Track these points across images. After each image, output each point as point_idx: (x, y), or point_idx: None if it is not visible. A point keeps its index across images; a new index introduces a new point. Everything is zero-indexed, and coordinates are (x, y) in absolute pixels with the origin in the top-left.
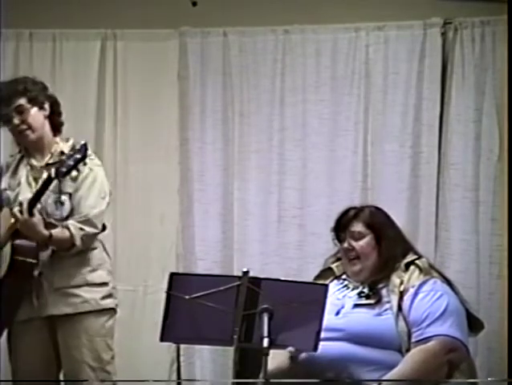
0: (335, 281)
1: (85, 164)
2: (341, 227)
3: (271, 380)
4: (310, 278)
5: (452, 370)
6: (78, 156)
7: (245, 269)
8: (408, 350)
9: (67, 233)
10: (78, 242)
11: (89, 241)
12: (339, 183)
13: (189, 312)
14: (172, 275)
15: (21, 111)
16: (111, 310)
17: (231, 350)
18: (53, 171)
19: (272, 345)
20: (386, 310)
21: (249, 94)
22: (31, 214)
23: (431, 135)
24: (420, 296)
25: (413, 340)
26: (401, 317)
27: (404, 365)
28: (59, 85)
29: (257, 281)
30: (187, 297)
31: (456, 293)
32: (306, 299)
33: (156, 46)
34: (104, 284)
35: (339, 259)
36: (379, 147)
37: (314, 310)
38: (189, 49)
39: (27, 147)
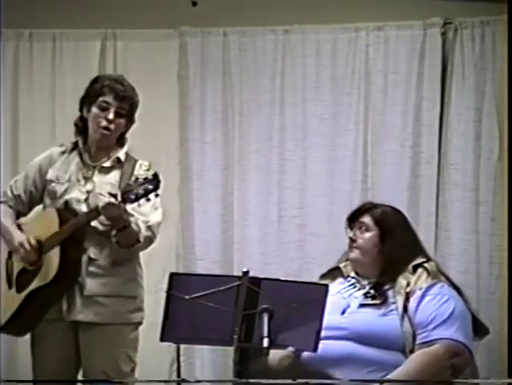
0: (342, 280)
1: (157, 195)
2: (354, 217)
3: (271, 380)
4: (310, 278)
5: (455, 375)
6: (150, 186)
7: (245, 269)
8: (411, 352)
9: (136, 228)
10: (142, 239)
11: (146, 245)
12: (339, 183)
13: (189, 312)
14: (172, 275)
15: (120, 114)
16: (138, 323)
17: (231, 350)
18: (119, 195)
19: (272, 345)
20: (391, 310)
21: (249, 94)
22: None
23: (431, 135)
24: (427, 299)
25: (418, 342)
26: (406, 318)
27: (408, 366)
28: (59, 85)
29: (257, 281)
30: (187, 297)
31: (463, 298)
32: (306, 299)
33: (156, 46)
34: (134, 297)
35: None
36: (379, 147)
37: (314, 309)
38: (189, 49)
39: (88, 143)
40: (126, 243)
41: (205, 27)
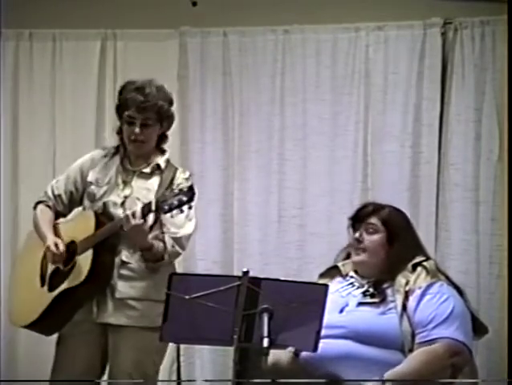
0: (340, 279)
1: (190, 207)
2: (358, 218)
3: (271, 380)
4: (310, 278)
5: (455, 374)
6: (184, 198)
7: (245, 269)
8: (410, 351)
9: (161, 245)
10: (167, 257)
11: (174, 258)
12: (339, 183)
13: (189, 312)
14: (172, 275)
15: (147, 124)
16: None
17: (231, 350)
18: (153, 203)
19: (272, 345)
20: (390, 309)
21: (249, 94)
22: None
23: (431, 135)
24: (426, 297)
25: (417, 341)
26: (405, 317)
27: (407, 364)
28: (59, 85)
29: (257, 281)
30: (187, 297)
31: (462, 297)
32: (306, 299)
33: (156, 46)
34: (163, 301)
35: (348, 255)
36: (379, 147)
37: (314, 309)
38: (189, 49)
39: (128, 150)
40: (150, 259)
41: (205, 27)
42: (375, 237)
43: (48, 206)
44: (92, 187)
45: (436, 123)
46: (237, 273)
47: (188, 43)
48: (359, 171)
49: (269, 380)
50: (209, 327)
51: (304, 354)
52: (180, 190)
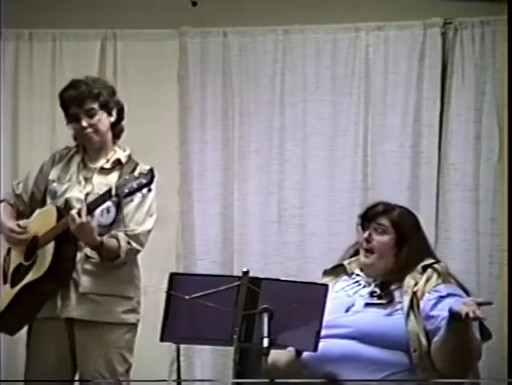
0: (346, 277)
1: (150, 190)
2: (367, 218)
3: (271, 380)
4: (310, 278)
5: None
6: (143, 180)
7: (245, 269)
8: (415, 351)
9: (115, 243)
10: (123, 255)
11: (132, 256)
12: (339, 183)
13: (189, 312)
14: (172, 275)
15: (91, 114)
16: (132, 324)
17: (231, 350)
18: (113, 189)
19: (272, 345)
20: (397, 310)
21: (249, 94)
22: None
23: (431, 135)
24: (445, 299)
25: None
26: (413, 317)
27: (469, 326)
28: (59, 85)
29: (257, 281)
30: (187, 297)
31: None
32: (306, 299)
33: (156, 46)
34: (129, 298)
35: (356, 252)
36: (380, 147)
37: (314, 309)
38: (189, 49)
39: (85, 147)
40: (106, 258)
41: (205, 27)
42: (385, 238)
43: (10, 204)
44: (54, 184)
45: (436, 123)
46: (237, 273)
47: (188, 43)
48: (359, 171)
49: (269, 380)
50: (209, 327)
51: (306, 353)
52: (140, 173)
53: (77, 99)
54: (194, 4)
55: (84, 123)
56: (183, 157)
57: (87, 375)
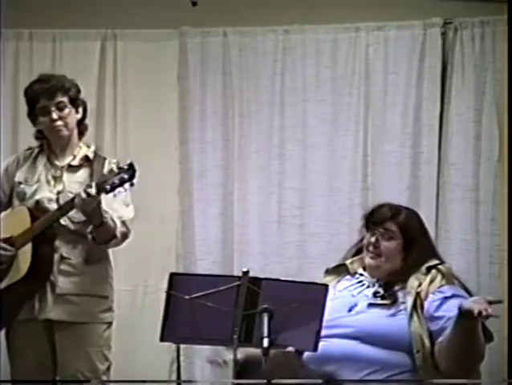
0: (349, 277)
1: (132, 184)
2: (373, 221)
3: (271, 380)
4: (310, 278)
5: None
6: (125, 175)
7: (245, 269)
8: (418, 352)
9: (112, 223)
10: (119, 235)
11: (122, 240)
12: (339, 183)
13: (189, 312)
14: (172, 275)
15: (61, 107)
16: (110, 323)
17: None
18: (94, 187)
19: (272, 345)
20: (400, 310)
21: (249, 94)
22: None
23: (431, 135)
24: (449, 300)
25: None
26: (416, 318)
27: (475, 325)
28: None
29: (257, 281)
30: (187, 297)
31: None
32: (306, 299)
33: (156, 46)
34: (105, 297)
35: (358, 251)
36: (380, 147)
37: (314, 309)
38: (189, 49)
39: (52, 145)
40: (103, 239)
41: (205, 27)
42: (392, 243)
43: None
44: (22, 186)
45: (436, 123)
46: (237, 273)
47: (188, 43)
48: (359, 171)
49: (268, 380)
50: (209, 327)
51: (307, 353)
52: (120, 168)
53: (48, 92)
54: (194, 4)
55: (55, 116)
56: (183, 157)
57: (68, 375)
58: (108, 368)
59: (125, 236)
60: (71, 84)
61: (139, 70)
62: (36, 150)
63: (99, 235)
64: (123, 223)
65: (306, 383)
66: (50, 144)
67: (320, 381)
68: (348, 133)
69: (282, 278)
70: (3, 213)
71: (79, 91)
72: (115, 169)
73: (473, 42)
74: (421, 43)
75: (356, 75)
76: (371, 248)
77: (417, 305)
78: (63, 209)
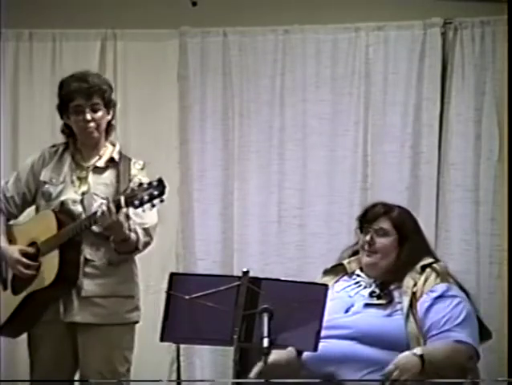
0: (346, 277)
1: (162, 200)
2: (367, 220)
3: (272, 380)
4: (310, 278)
5: (464, 377)
6: (155, 192)
7: (245, 269)
8: None
9: (134, 236)
10: (141, 247)
11: (144, 249)
12: (339, 183)
13: (189, 312)
14: (172, 275)
15: (96, 109)
16: (135, 323)
17: (231, 350)
18: (122, 200)
19: (272, 345)
20: (397, 310)
21: (249, 94)
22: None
23: (431, 135)
24: (441, 300)
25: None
26: (412, 318)
27: (434, 349)
28: None
29: (257, 281)
30: (187, 297)
31: (470, 301)
32: (306, 299)
33: (156, 46)
34: (131, 297)
35: (354, 253)
36: (380, 147)
37: (314, 309)
38: (189, 49)
39: (78, 143)
40: (124, 251)
41: (205, 27)
42: (387, 239)
43: None
44: (47, 186)
45: (436, 123)
46: (237, 273)
47: (188, 43)
48: (359, 171)
49: (268, 380)
50: (209, 327)
51: (307, 353)
52: (150, 184)
53: (86, 92)
54: (194, 4)
55: (88, 117)
56: (183, 157)
57: (87, 376)
58: (128, 370)
59: (148, 244)
60: (107, 86)
61: (139, 70)
62: (61, 148)
63: (121, 248)
64: (146, 230)
65: (306, 383)
66: (75, 142)
67: (320, 381)
68: (348, 133)
69: (282, 278)
70: (26, 213)
71: (111, 88)
72: (145, 184)
73: (473, 42)
74: (421, 43)
75: (356, 75)
76: (366, 246)
77: (413, 305)
78: (91, 219)
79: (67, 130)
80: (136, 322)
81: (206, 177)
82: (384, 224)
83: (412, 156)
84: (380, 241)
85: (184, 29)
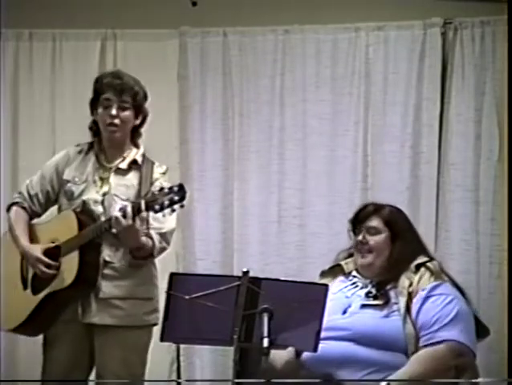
0: (343, 278)
1: (182, 206)
2: (359, 220)
3: (272, 380)
4: (310, 278)
5: (458, 376)
6: (175, 197)
7: (245, 269)
8: (413, 353)
9: (150, 243)
10: (156, 254)
11: (159, 254)
12: (339, 183)
13: (189, 312)
14: (172, 275)
15: (123, 107)
16: (153, 325)
17: (231, 350)
18: (143, 204)
19: (272, 345)
20: (393, 311)
21: (249, 94)
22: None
23: (431, 135)
24: (430, 299)
25: (422, 344)
26: (409, 319)
27: (411, 366)
28: (59, 85)
29: (257, 281)
30: (187, 297)
31: (465, 298)
32: (306, 299)
33: (156, 46)
34: (150, 299)
35: (350, 255)
36: (380, 147)
37: (314, 310)
38: (189, 49)
39: (102, 143)
40: (140, 256)
41: (204, 27)
42: (379, 237)
43: (23, 207)
44: (69, 185)
45: (436, 123)
46: (237, 273)
47: (188, 43)
48: (359, 171)
49: (268, 380)
50: (209, 327)
51: (306, 354)
52: (171, 189)
53: (117, 87)
54: (194, 4)
55: (114, 112)
56: (183, 157)
57: (103, 377)
58: (143, 373)
59: (163, 250)
60: (140, 89)
61: (139, 70)
62: (86, 147)
63: (135, 253)
64: (163, 235)
65: (306, 383)
66: (100, 142)
67: (319, 381)
68: (348, 133)
69: (282, 278)
70: (48, 212)
71: (145, 98)
72: (166, 189)
73: (473, 42)
74: (421, 43)
75: (356, 75)
76: (360, 246)
77: (410, 306)
78: (111, 221)
79: (94, 127)
80: (155, 325)
81: (206, 177)
82: (375, 222)
83: (412, 156)
84: (373, 239)
85: (184, 29)
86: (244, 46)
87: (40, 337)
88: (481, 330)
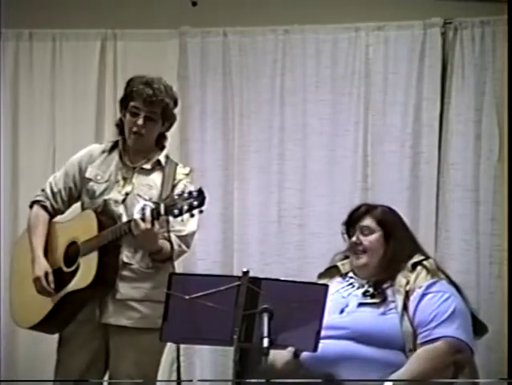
0: (340, 279)
1: (201, 211)
2: (352, 221)
3: (272, 380)
4: (310, 278)
5: (457, 372)
6: (195, 202)
7: (245, 269)
8: (411, 351)
9: (168, 246)
10: (175, 257)
11: (179, 257)
12: (339, 183)
13: (189, 312)
14: (172, 275)
15: (151, 118)
16: None
17: (231, 350)
18: (162, 208)
19: (272, 345)
20: (391, 309)
21: (249, 94)
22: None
23: (431, 135)
24: (427, 297)
25: (420, 341)
26: (406, 317)
27: (410, 365)
28: (59, 85)
29: (257, 281)
30: (187, 297)
31: (462, 296)
32: (306, 299)
33: (156, 46)
34: None
35: (347, 257)
36: (380, 147)
37: (314, 309)
38: (189, 49)
39: (126, 143)
40: (159, 259)
41: (204, 27)
42: (373, 236)
43: (44, 206)
44: (91, 183)
45: (436, 123)
46: (237, 273)
47: (188, 43)
48: (359, 171)
49: (268, 380)
50: (209, 327)
51: (305, 354)
52: (190, 193)
53: (148, 99)
54: (194, 4)
55: (141, 122)
56: (183, 157)
57: (117, 378)
58: (156, 375)
59: (182, 253)
60: (170, 100)
61: (139, 70)
62: (110, 146)
63: (154, 256)
64: (183, 238)
65: (306, 383)
66: (125, 142)
67: (320, 381)
68: (348, 133)
69: (282, 278)
70: (70, 210)
71: (175, 103)
72: (186, 194)
73: (473, 42)
74: (421, 43)
75: (356, 75)
76: (354, 247)
77: (407, 304)
78: (130, 224)
79: (121, 125)
80: None
81: (206, 177)
82: (368, 221)
83: (412, 156)
84: (366, 240)
85: (184, 29)
86: (244, 46)
87: (40, 337)
88: (478, 328)
